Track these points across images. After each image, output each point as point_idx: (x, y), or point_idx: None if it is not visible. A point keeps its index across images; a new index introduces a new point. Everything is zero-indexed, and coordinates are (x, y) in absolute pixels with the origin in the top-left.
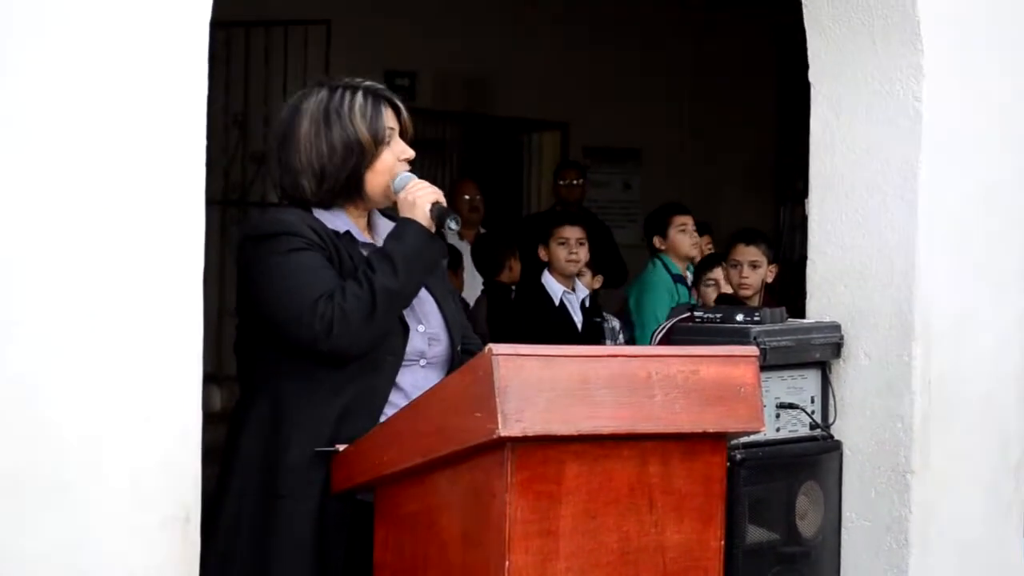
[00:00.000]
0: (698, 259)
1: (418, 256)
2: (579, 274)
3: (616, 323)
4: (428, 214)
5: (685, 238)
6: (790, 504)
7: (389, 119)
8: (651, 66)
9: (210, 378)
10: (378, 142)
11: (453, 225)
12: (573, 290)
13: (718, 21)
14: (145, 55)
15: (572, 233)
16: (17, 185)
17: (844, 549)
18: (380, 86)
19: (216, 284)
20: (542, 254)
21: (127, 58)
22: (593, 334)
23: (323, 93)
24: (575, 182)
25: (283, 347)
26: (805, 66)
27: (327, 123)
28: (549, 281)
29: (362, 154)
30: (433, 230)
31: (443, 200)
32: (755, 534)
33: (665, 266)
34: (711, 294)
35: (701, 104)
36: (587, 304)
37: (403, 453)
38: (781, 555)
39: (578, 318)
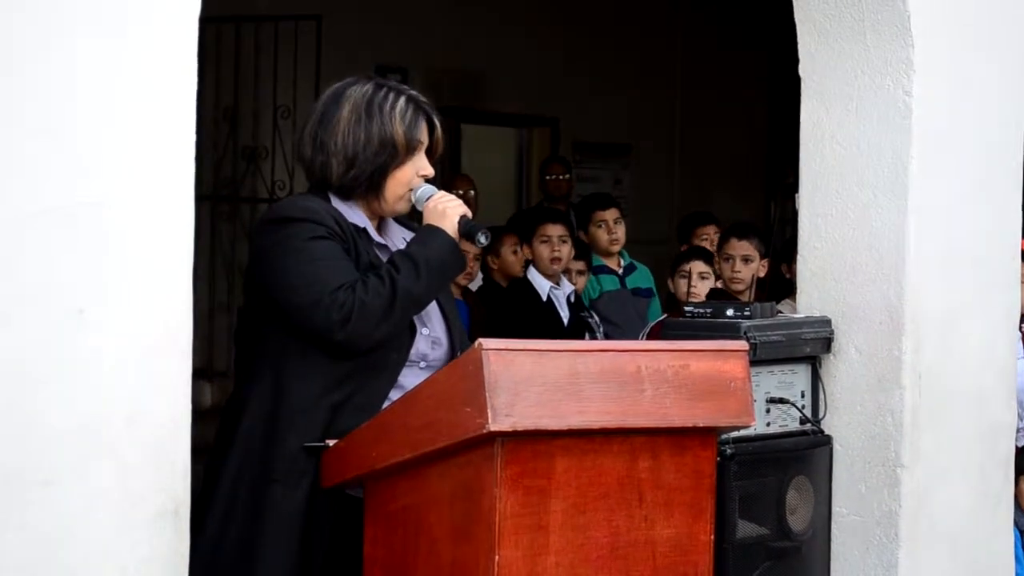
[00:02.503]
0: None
1: (441, 264)
2: (570, 272)
3: (598, 317)
4: (456, 225)
5: (602, 234)
6: (780, 499)
7: (422, 132)
8: (641, 61)
9: (200, 374)
10: (410, 148)
11: (483, 239)
12: (559, 285)
13: (709, 14)
14: (135, 50)
15: (554, 231)
16: (7, 180)
17: (834, 544)
18: (424, 98)
19: (207, 279)
20: (526, 251)
21: (117, 53)
22: (579, 329)
23: (369, 86)
24: (561, 177)
25: (291, 334)
26: (796, 60)
27: (368, 114)
28: (536, 277)
29: (394, 154)
30: (458, 240)
31: (470, 214)
32: (745, 529)
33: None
34: (682, 285)
35: (691, 99)
36: (572, 300)
37: (393, 448)
38: (771, 550)
39: (564, 313)
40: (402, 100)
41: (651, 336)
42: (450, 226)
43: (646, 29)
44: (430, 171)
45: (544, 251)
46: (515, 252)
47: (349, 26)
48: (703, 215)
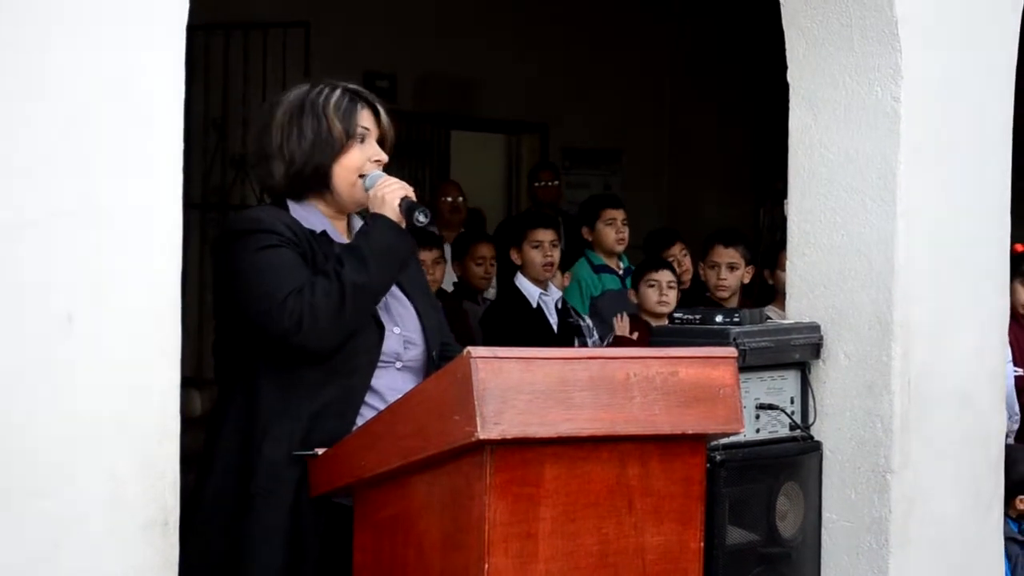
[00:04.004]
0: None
1: (387, 251)
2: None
3: (590, 320)
4: (397, 209)
5: (610, 232)
6: (770, 505)
7: (364, 119)
8: (631, 67)
9: (190, 382)
10: (349, 136)
11: (422, 218)
12: (547, 291)
13: (698, 22)
14: (122, 58)
15: (546, 236)
16: None
17: (824, 549)
18: (364, 90)
19: (196, 288)
20: (514, 257)
21: (104, 61)
22: (568, 334)
23: (304, 88)
24: (550, 183)
25: (259, 345)
26: (784, 66)
27: (301, 112)
28: (524, 284)
29: (331, 146)
30: (404, 225)
31: (412, 195)
32: (735, 535)
33: (588, 260)
34: (652, 295)
35: (681, 105)
36: (559, 305)
37: (382, 456)
38: (762, 556)
39: (554, 319)
40: (337, 92)
41: (614, 345)
42: (391, 211)
43: (635, 35)
44: (382, 156)
45: (536, 256)
46: (479, 263)
47: (338, 33)
48: (670, 233)
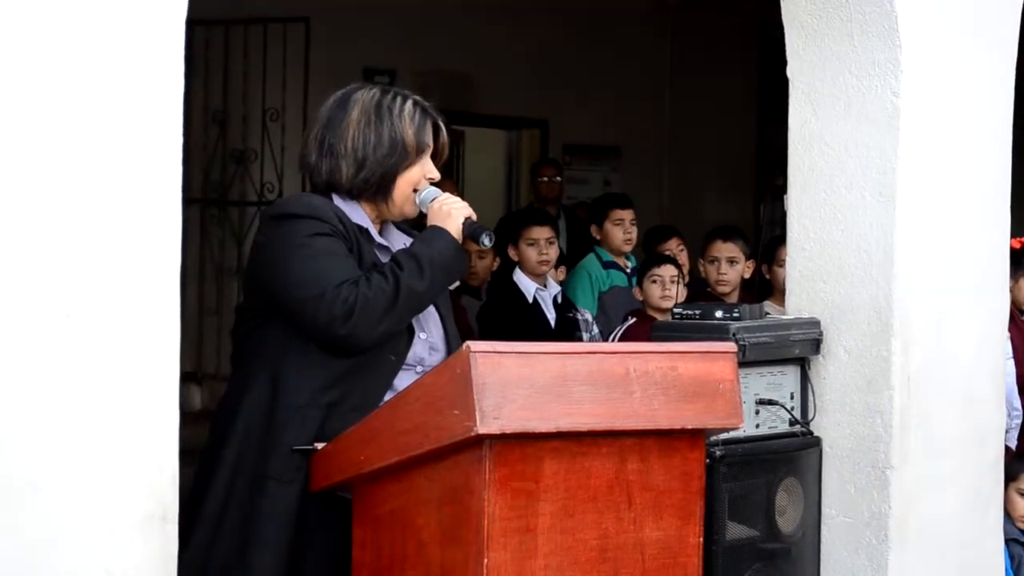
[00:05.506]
0: (629, 250)
1: (445, 264)
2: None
3: (588, 315)
4: (460, 226)
5: (618, 231)
6: (770, 500)
7: (429, 135)
8: (631, 62)
9: (190, 377)
10: (419, 150)
11: (487, 241)
12: (545, 286)
13: (698, 17)
14: (121, 53)
15: (541, 233)
16: None
17: (824, 545)
18: (427, 103)
19: (196, 283)
20: (511, 253)
21: (103, 56)
22: (566, 329)
23: (376, 91)
24: (552, 179)
25: (291, 331)
26: (784, 62)
27: (378, 116)
28: (521, 279)
29: (404, 155)
30: (461, 242)
31: (475, 217)
32: (735, 531)
33: (597, 255)
34: (656, 291)
35: (681, 100)
36: (559, 300)
37: (381, 451)
38: (761, 551)
39: (551, 314)
40: (409, 103)
41: (622, 340)
42: (454, 227)
43: (635, 31)
44: (436, 175)
45: (531, 253)
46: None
47: (338, 28)
48: (666, 228)
